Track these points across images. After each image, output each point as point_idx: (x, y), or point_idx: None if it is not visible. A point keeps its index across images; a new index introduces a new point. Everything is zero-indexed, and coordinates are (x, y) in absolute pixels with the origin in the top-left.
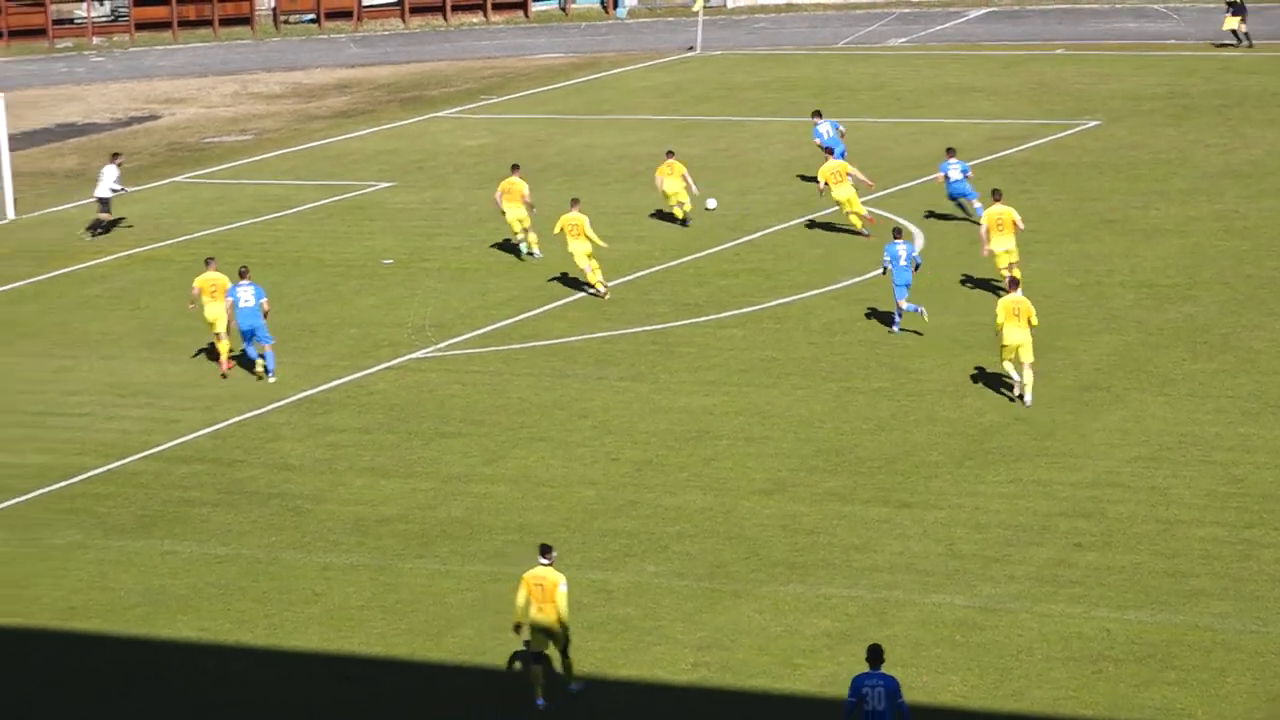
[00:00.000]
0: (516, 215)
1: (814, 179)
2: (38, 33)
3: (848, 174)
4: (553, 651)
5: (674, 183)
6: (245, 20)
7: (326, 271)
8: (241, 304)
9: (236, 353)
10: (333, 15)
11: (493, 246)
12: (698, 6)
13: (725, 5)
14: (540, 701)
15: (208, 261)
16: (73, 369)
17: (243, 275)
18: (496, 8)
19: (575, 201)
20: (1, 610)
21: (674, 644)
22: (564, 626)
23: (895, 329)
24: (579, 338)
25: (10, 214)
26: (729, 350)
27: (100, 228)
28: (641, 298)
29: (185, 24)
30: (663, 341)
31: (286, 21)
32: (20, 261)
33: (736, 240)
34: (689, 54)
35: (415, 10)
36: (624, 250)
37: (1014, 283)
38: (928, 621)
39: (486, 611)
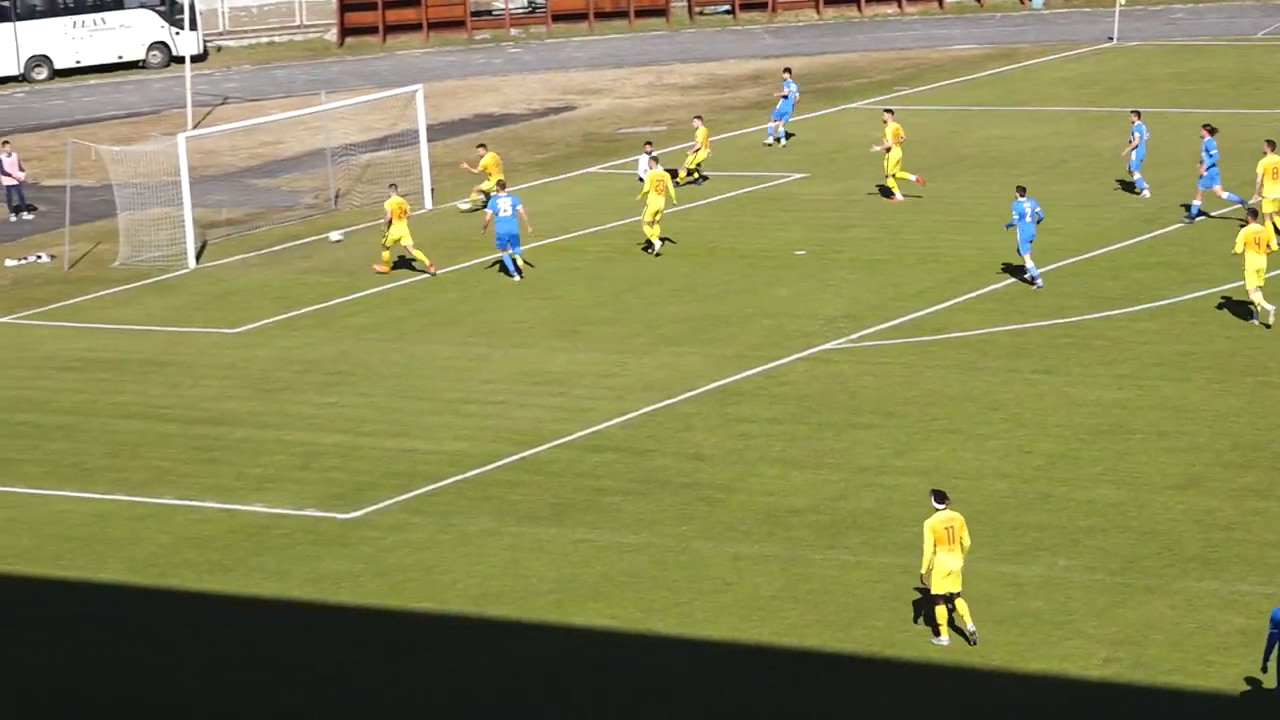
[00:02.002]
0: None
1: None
2: (457, 24)
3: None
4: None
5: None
6: (660, 12)
7: (739, 263)
8: (501, 214)
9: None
10: (747, 6)
11: (905, 238)
12: None
13: None
14: (944, 640)
15: (392, 186)
16: (488, 357)
17: (502, 187)
18: None
19: (655, 160)
20: (419, 595)
21: (1085, 639)
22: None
23: (1030, 277)
24: (991, 330)
25: (428, 204)
26: (1143, 344)
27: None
28: (1055, 290)
29: (601, 15)
30: (1076, 334)
31: (701, 13)
32: (438, 250)
33: (1151, 233)
34: (1105, 45)
35: (829, 1)
36: (1038, 242)
37: (1253, 213)
38: None
39: (897, 603)
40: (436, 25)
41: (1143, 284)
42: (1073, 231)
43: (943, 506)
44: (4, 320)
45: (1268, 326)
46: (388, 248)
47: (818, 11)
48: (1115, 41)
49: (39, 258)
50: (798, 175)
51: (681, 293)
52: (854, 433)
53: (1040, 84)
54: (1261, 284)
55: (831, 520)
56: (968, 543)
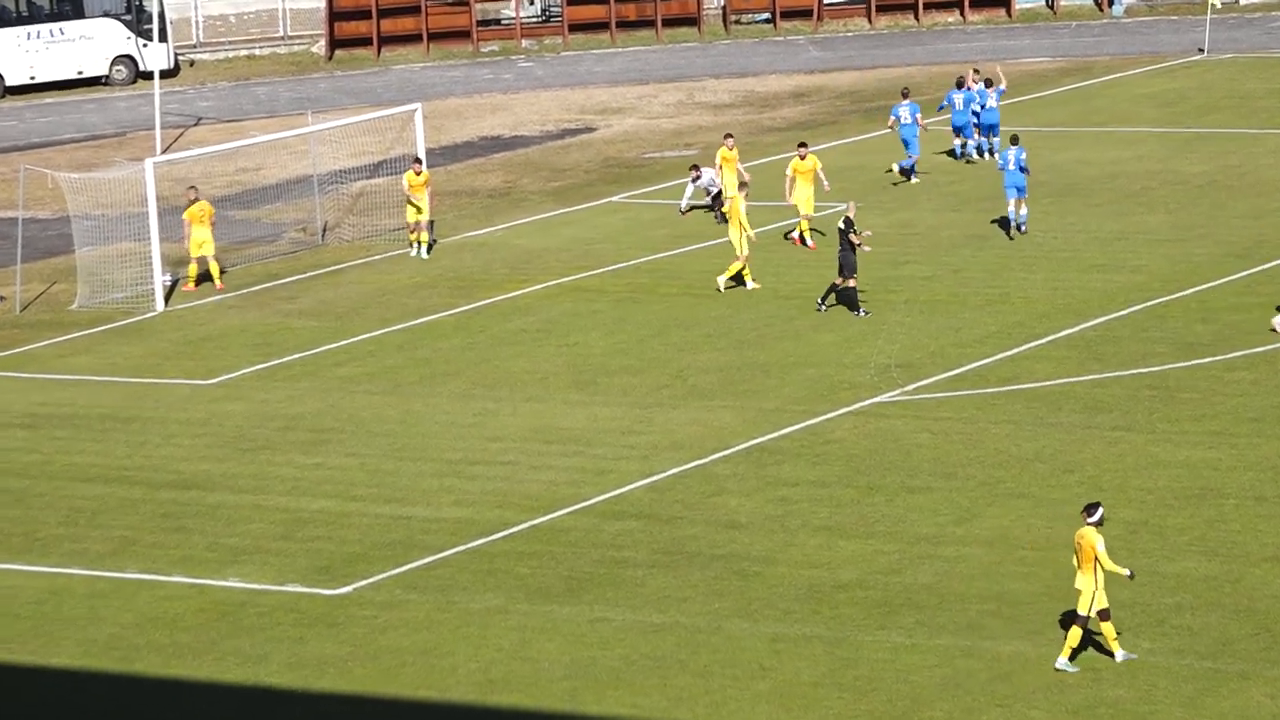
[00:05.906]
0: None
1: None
2: (461, 35)
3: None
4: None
5: None
6: (692, 20)
7: (781, 304)
8: None
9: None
10: (789, 14)
11: (967, 276)
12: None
13: (1238, 3)
14: (1061, 663)
15: (191, 189)
16: (495, 412)
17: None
18: (975, 5)
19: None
20: (416, 682)
21: None
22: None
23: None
24: (1065, 380)
25: (426, 237)
26: (1238, 396)
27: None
28: (1137, 335)
29: (624, 25)
30: (1161, 385)
31: (738, 22)
32: (438, 291)
33: (1248, 270)
34: (1195, 57)
35: (883, 8)
36: (1118, 281)
37: None
38: None
39: (958, 691)
40: (438, 36)
41: (1239, 328)
42: (1158, 269)
43: (1087, 520)
44: None
45: None
46: (195, 259)
47: (870, 20)
48: (1206, 54)
49: None
50: (844, 205)
51: (714, 338)
52: (908, 497)
53: (1120, 101)
54: None
55: (883, 597)
56: (1107, 562)
